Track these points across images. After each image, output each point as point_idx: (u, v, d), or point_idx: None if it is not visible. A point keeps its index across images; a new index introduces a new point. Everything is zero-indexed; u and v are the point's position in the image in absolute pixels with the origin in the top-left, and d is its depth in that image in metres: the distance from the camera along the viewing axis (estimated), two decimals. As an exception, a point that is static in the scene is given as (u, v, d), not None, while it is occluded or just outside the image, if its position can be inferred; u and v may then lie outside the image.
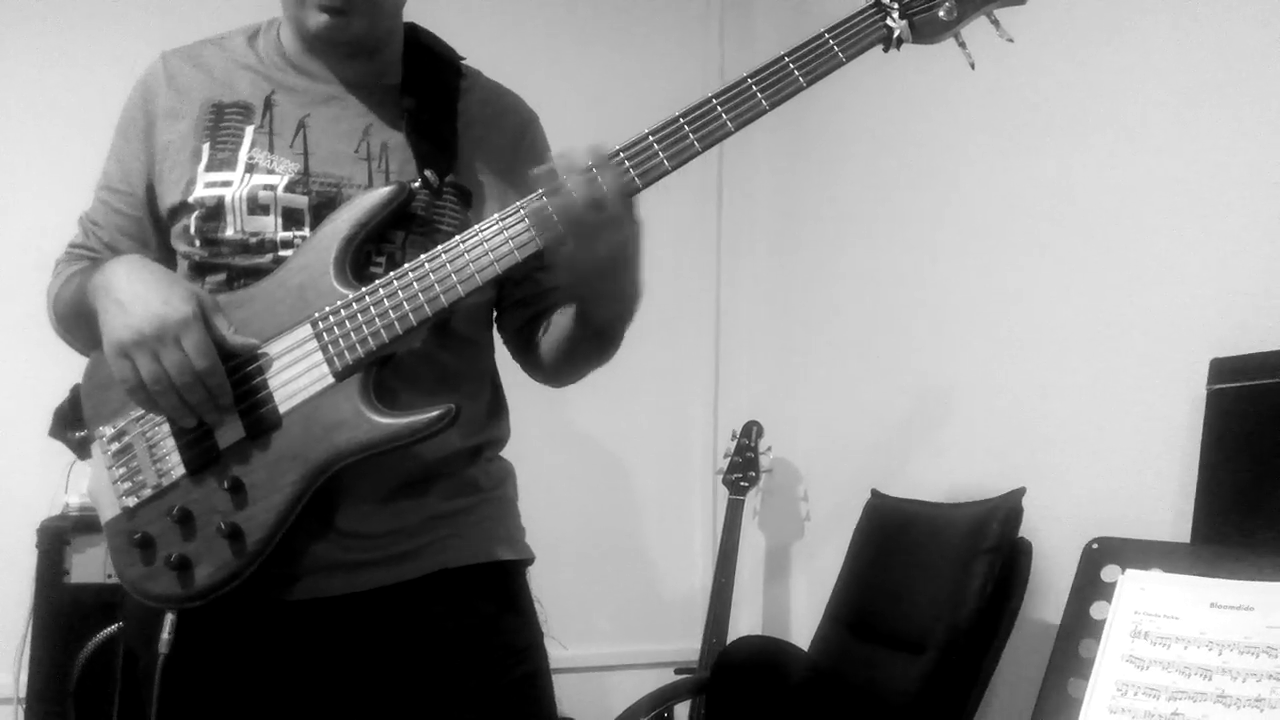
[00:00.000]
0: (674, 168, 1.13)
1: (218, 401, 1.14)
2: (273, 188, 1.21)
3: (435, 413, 1.13)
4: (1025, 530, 1.91)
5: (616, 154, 1.12)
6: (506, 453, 1.37)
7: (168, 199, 1.25)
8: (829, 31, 1.17)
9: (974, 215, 2.35)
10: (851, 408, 2.80)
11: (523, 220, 1.14)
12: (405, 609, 1.22)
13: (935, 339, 2.47)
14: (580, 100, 2.80)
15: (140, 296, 1.13)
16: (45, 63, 2.72)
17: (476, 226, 1.15)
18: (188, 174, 1.23)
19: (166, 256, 1.29)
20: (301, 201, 1.21)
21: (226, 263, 1.22)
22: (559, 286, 1.31)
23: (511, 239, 1.14)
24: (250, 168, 1.22)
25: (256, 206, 1.21)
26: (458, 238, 1.15)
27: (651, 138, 1.13)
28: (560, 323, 1.30)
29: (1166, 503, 1.79)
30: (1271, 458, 1.51)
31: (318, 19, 1.20)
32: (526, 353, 1.36)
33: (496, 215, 1.15)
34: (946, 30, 1.21)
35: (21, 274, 2.56)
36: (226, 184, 1.21)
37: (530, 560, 1.34)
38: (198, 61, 1.29)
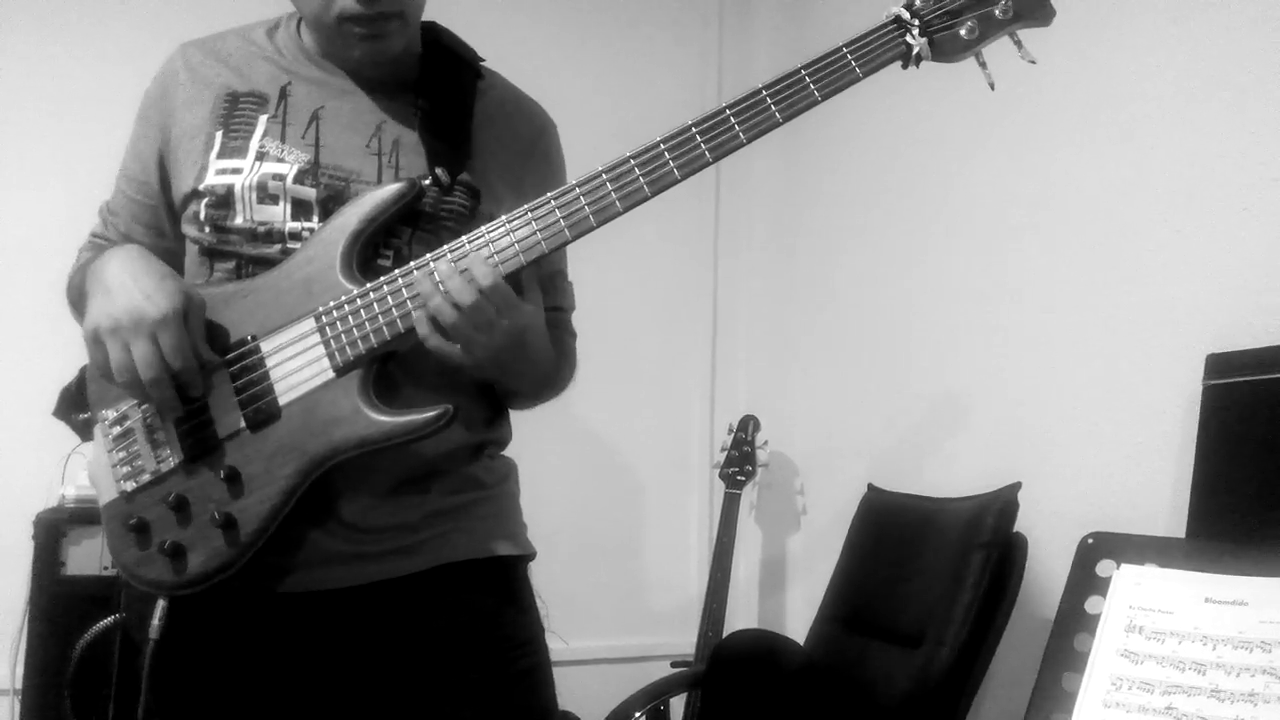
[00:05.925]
0: (683, 177, 1.15)
1: (177, 408, 1.15)
2: (282, 177, 1.21)
3: (433, 413, 1.13)
4: (1021, 525, 1.91)
5: (627, 159, 1.14)
6: (506, 447, 1.37)
7: (181, 185, 1.25)
8: (847, 46, 1.17)
9: (970, 209, 2.36)
10: (848, 402, 2.80)
11: (529, 224, 1.14)
12: (405, 603, 1.22)
13: (932, 334, 2.47)
14: (578, 101, 2.78)
15: (126, 287, 1.13)
16: (55, 57, 2.71)
17: (483, 227, 1.15)
18: (200, 160, 1.23)
19: (181, 246, 1.29)
20: (310, 193, 1.21)
21: (235, 250, 1.22)
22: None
23: (517, 242, 1.14)
24: (261, 156, 1.22)
25: (265, 195, 1.20)
26: (464, 237, 1.15)
27: (662, 145, 1.14)
28: None
29: (1162, 498, 1.79)
30: (1267, 453, 1.51)
31: (361, 47, 1.21)
32: None
33: (505, 217, 1.15)
34: (967, 49, 1.20)
35: (18, 267, 2.57)
36: (237, 171, 1.21)
37: (531, 556, 1.34)
38: (217, 52, 1.29)
